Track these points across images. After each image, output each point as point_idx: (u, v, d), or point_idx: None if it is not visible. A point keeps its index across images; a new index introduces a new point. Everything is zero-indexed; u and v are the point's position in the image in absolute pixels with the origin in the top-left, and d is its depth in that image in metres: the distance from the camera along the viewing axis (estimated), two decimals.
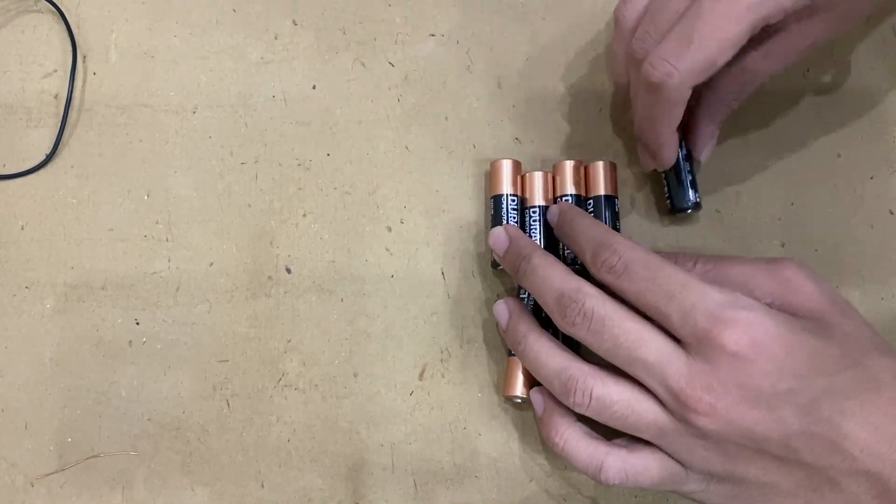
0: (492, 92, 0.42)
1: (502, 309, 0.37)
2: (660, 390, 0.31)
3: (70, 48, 0.43)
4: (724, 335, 0.30)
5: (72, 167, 0.41)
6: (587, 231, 0.34)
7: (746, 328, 0.30)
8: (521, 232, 0.37)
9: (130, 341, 0.38)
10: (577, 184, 0.39)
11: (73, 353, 0.38)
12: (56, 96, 0.42)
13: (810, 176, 0.41)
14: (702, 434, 0.31)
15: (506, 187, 0.39)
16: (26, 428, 0.37)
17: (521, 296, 0.37)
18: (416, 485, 0.37)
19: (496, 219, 0.38)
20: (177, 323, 0.39)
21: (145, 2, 0.44)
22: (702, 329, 0.30)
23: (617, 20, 0.36)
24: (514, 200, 0.39)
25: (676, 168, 0.38)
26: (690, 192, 0.38)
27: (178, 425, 0.37)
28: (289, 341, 0.38)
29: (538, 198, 0.39)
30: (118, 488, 0.37)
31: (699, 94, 0.37)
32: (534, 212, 0.38)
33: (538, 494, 0.36)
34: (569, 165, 0.39)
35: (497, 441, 0.37)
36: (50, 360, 0.38)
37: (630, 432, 0.32)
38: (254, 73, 0.43)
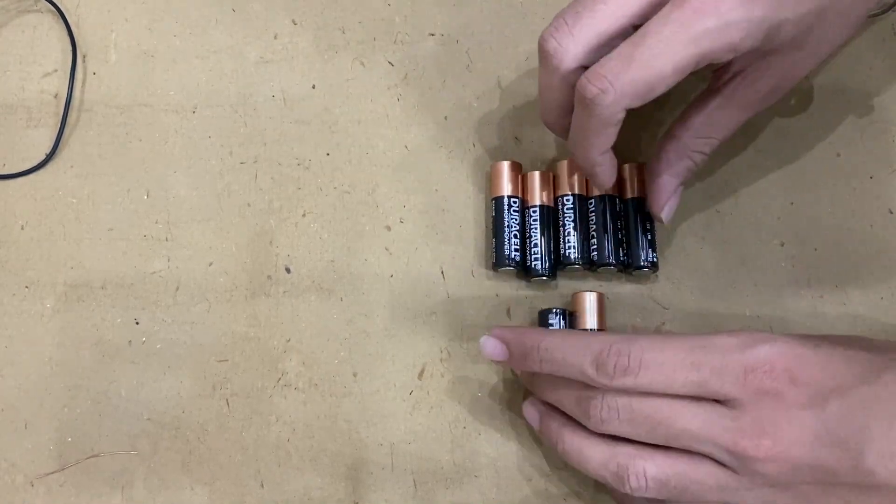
0: (492, 92, 0.42)
1: (531, 412, 0.35)
2: (715, 452, 0.30)
3: (70, 48, 0.43)
4: (761, 380, 0.30)
5: (72, 167, 0.41)
6: (570, 345, 0.33)
7: (778, 365, 0.30)
8: (513, 331, 0.35)
9: (130, 341, 0.38)
10: (577, 184, 0.39)
11: (73, 352, 0.38)
12: (56, 96, 0.42)
13: (810, 176, 0.41)
14: (771, 482, 0.30)
15: (506, 189, 0.39)
16: (26, 428, 0.37)
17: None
18: (415, 484, 0.37)
19: (497, 220, 0.38)
20: (176, 322, 0.39)
21: (145, 2, 0.44)
22: (739, 381, 0.30)
23: (549, 53, 0.34)
24: (515, 202, 0.39)
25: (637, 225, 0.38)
26: (649, 252, 0.38)
27: (178, 425, 0.37)
28: (288, 341, 0.38)
29: (538, 197, 0.39)
30: (118, 488, 0.37)
31: (661, 148, 0.37)
32: (534, 211, 0.38)
33: (538, 494, 0.36)
34: (571, 165, 0.39)
35: (497, 441, 0.37)
36: (50, 360, 0.38)
37: (699, 499, 0.31)
38: (253, 72, 0.43)
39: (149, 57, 0.43)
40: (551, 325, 0.37)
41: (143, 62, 0.43)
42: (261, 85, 0.42)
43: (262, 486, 0.37)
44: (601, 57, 0.32)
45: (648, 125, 0.41)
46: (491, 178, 0.40)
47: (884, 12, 0.39)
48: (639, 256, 0.38)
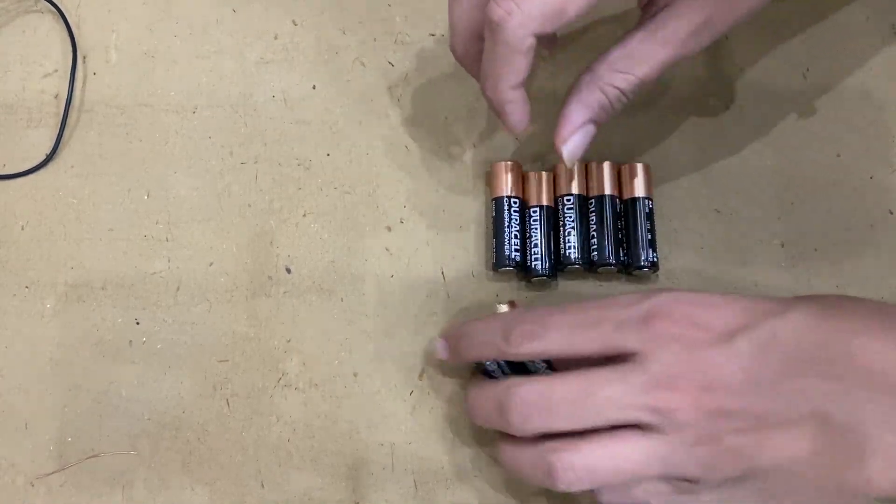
0: None
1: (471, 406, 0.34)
2: (638, 416, 0.29)
3: (70, 48, 0.43)
4: (661, 325, 0.29)
5: (72, 167, 0.41)
6: (482, 326, 0.33)
7: (676, 308, 0.29)
8: (451, 326, 0.34)
9: (130, 341, 0.38)
10: (578, 184, 0.39)
11: (73, 352, 0.38)
12: (56, 96, 0.42)
13: (810, 176, 0.41)
14: (697, 435, 0.28)
15: (506, 189, 0.39)
16: (26, 428, 0.37)
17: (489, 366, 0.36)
18: (416, 484, 0.37)
19: (497, 220, 0.38)
20: (177, 323, 0.39)
21: (145, 2, 0.44)
22: (640, 331, 0.29)
23: (496, 23, 0.32)
24: (515, 202, 0.39)
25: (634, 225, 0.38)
26: (650, 252, 0.38)
27: (178, 425, 0.37)
28: (289, 341, 0.38)
29: (539, 197, 0.39)
30: (118, 488, 0.37)
31: (577, 80, 0.34)
32: (534, 212, 0.38)
33: (538, 494, 0.36)
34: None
35: (497, 441, 0.37)
36: (50, 360, 0.38)
37: (637, 478, 0.30)
38: (254, 73, 0.43)
39: (149, 57, 0.43)
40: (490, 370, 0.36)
41: (143, 62, 0.43)
42: (261, 85, 0.42)
43: (263, 486, 0.37)
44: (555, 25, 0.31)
45: (651, 125, 0.42)
46: (491, 179, 0.40)
47: None
48: (639, 256, 0.38)
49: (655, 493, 0.30)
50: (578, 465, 0.30)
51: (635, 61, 0.33)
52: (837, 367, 0.28)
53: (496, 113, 0.34)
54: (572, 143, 0.34)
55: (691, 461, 0.29)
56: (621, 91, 0.33)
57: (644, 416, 0.29)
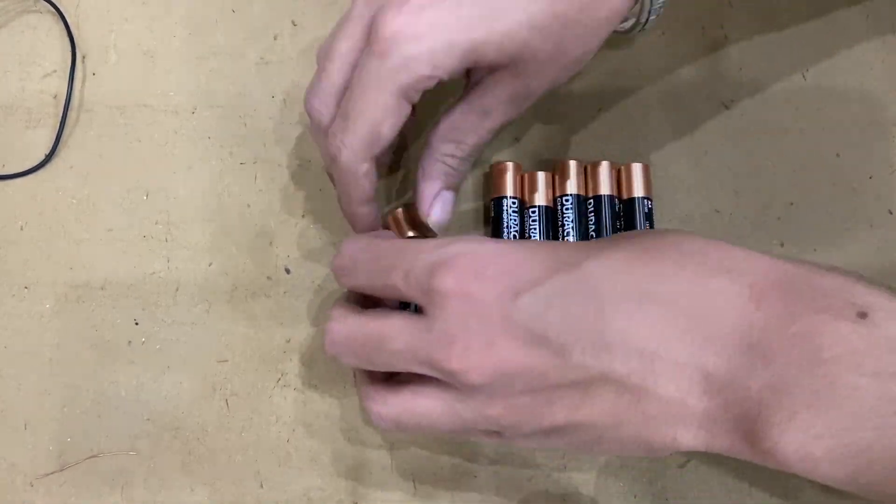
0: None
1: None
2: (427, 370, 0.29)
3: (70, 48, 0.43)
4: (443, 279, 0.28)
5: (71, 167, 0.41)
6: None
7: (462, 261, 0.28)
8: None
9: (130, 341, 0.38)
10: (577, 184, 0.39)
11: (72, 353, 0.38)
12: (55, 96, 0.42)
13: (810, 176, 0.41)
14: (486, 395, 0.28)
15: (506, 189, 0.39)
16: (26, 428, 0.37)
17: None
18: (415, 485, 0.37)
19: (497, 221, 0.38)
20: (176, 323, 0.39)
21: (145, 2, 0.44)
22: (424, 285, 0.28)
23: (307, 111, 0.35)
24: (514, 203, 0.39)
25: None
26: None
27: (178, 425, 0.37)
28: (289, 341, 0.38)
29: (539, 198, 0.39)
30: (118, 488, 0.37)
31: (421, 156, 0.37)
32: (533, 212, 0.38)
33: (538, 494, 0.36)
34: (571, 165, 0.39)
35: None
36: (50, 361, 0.38)
37: (445, 434, 0.30)
38: (254, 73, 0.43)
39: (149, 57, 0.43)
40: None
41: (142, 63, 0.43)
42: (261, 85, 0.42)
43: (262, 486, 0.37)
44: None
45: (651, 125, 0.41)
46: (491, 179, 0.40)
47: (630, 31, 0.37)
48: None
49: (472, 434, 0.30)
50: (386, 416, 0.30)
51: (462, 132, 0.35)
52: (604, 346, 0.27)
53: (347, 220, 0.37)
54: (435, 212, 0.37)
55: (488, 420, 0.29)
56: (458, 158, 0.36)
57: (436, 374, 0.29)
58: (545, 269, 0.28)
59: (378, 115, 0.32)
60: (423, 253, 0.29)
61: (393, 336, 0.29)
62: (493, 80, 0.34)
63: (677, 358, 0.27)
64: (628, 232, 0.33)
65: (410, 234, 0.36)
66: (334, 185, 0.36)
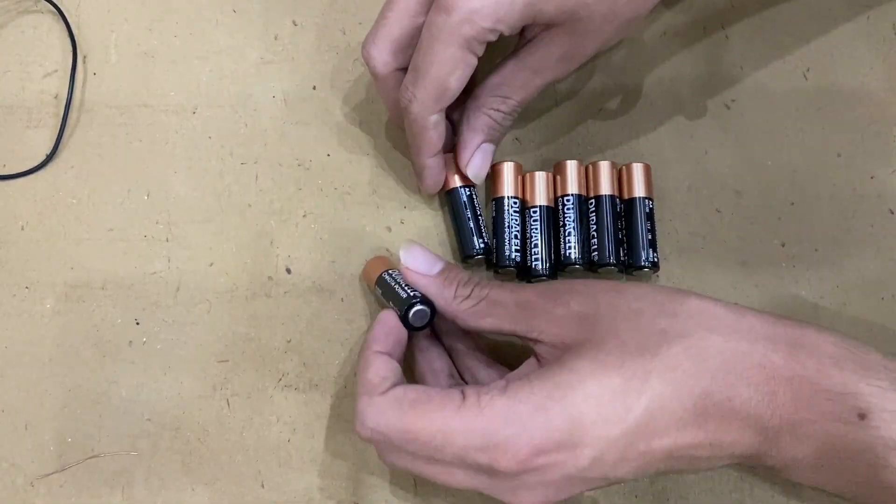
0: None
1: None
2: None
3: (70, 48, 0.43)
4: (506, 463, 0.30)
5: (72, 167, 0.41)
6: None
7: (513, 444, 0.30)
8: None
9: (130, 341, 0.38)
10: (578, 184, 0.39)
11: (73, 353, 0.38)
12: (56, 96, 0.42)
13: (810, 176, 0.41)
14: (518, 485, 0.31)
15: (507, 190, 0.39)
16: (26, 428, 0.37)
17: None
18: (415, 485, 0.37)
19: (498, 221, 0.38)
20: (177, 323, 0.39)
21: (145, 2, 0.44)
22: (484, 469, 0.30)
23: (365, 60, 0.37)
24: (515, 202, 0.39)
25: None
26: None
27: (178, 425, 0.37)
28: (289, 341, 0.38)
29: (539, 198, 0.39)
30: (118, 488, 0.37)
31: (465, 107, 0.38)
32: (534, 212, 0.38)
33: None
34: (571, 165, 0.39)
35: None
36: (50, 360, 0.38)
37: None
38: (254, 73, 0.43)
39: (149, 57, 0.43)
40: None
41: (143, 63, 0.43)
42: (261, 85, 0.42)
43: (263, 486, 0.37)
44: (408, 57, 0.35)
45: (651, 125, 0.42)
46: (491, 179, 0.40)
47: None
48: (639, 256, 0.38)
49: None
50: (428, 475, 0.32)
51: (511, 88, 0.37)
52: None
53: (415, 173, 0.39)
54: (474, 163, 0.38)
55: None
56: (504, 113, 0.38)
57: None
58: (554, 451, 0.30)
59: (445, 68, 0.34)
60: (469, 439, 0.30)
61: (454, 440, 0.30)
62: (548, 37, 0.35)
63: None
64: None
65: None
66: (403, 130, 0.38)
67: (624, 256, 0.38)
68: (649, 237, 0.38)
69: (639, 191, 0.39)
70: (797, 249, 0.40)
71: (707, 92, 0.42)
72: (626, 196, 0.39)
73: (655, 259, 0.38)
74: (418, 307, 0.34)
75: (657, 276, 0.39)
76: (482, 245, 0.38)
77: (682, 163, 0.41)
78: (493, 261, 0.39)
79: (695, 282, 0.39)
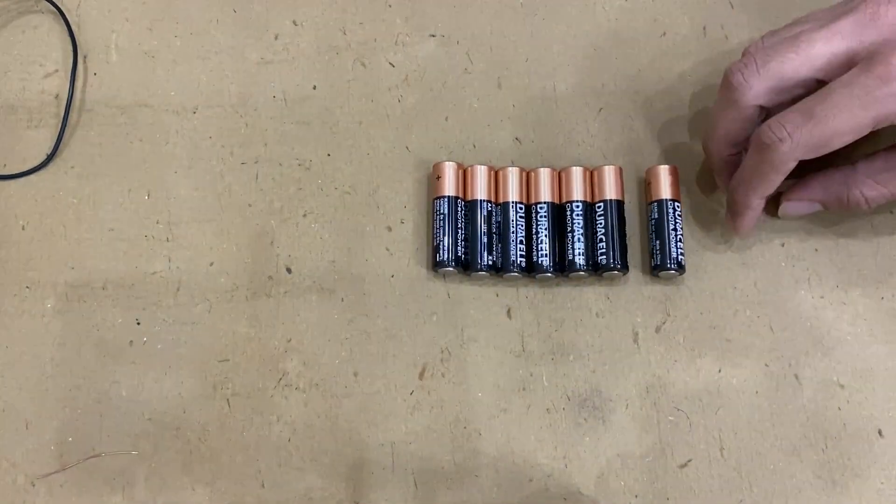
0: (492, 92, 0.42)
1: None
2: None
3: (70, 48, 0.43)
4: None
5: (72, 167, 0.41)
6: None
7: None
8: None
9: (131, 341, 0.38)
10: (584, 189, 0.39)
11: (73, 352, 0.38)
12: (57, 96, 0.42)
13: None
14: None
15: (510, 195, 0.39)
16: (27, 428, 0.37)
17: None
18: (416, 484, 0.37)
19: (503, 225, 0.39)
20: (177, 323, 0.39)
21: (145, 2, 0.44)
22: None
23: (733, 86, 0.35)
24: (520, 208, 0.39)
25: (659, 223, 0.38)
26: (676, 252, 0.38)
27: (179, 425, 0.37)
28: (289, 341, 0.38)
29: (543, 194, 0.39)
30: (119, 488, 0.37)
31: (827, 167, 0.37)
32: (541, 208, 0.39)
33: (538, 494, 0.36)
34: (576, 171, 0.39)
35: (497, 441, 0.37)
36: (50, 360, 0.38)
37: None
38: (254, 73, 0.43)
39: (149, 57, 0.43)
40: None
41: (143, 62, 0.43)
42: (262, 85, 0.42)
43: (263, 486, 0.37)
44: (778, 100, 0.35)
45: (652, 125, 0.42)
46: (494, 181, 0.40)
47: None
48: (668, 258, 0.38)
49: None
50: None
51: (890, 176, 0.36)
52: None
53: (732, 211, 0.38)
54: (794, 206, 0.38)
55: None
56: (867, 199, 0.36)
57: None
58: None
59: (843, 129, 0.32)
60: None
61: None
62: None
63: None
64: None
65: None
66: (713, 165, 0.38)
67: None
68: (679, 239, 0.38)
69: (665, 193, 0.39)
70: (797, 249, 0.40)
71: (707, 92, 0.42)
72: (652, 198, 0.39)
73: (682, 261, 0.38)
74: None
75: (657, 275, 0.39)
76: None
77: (683, 163, 0.41)
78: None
79: (695, 282, 0.39)
